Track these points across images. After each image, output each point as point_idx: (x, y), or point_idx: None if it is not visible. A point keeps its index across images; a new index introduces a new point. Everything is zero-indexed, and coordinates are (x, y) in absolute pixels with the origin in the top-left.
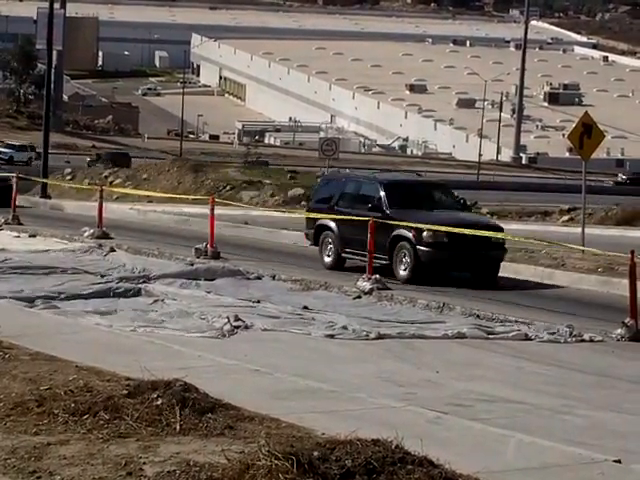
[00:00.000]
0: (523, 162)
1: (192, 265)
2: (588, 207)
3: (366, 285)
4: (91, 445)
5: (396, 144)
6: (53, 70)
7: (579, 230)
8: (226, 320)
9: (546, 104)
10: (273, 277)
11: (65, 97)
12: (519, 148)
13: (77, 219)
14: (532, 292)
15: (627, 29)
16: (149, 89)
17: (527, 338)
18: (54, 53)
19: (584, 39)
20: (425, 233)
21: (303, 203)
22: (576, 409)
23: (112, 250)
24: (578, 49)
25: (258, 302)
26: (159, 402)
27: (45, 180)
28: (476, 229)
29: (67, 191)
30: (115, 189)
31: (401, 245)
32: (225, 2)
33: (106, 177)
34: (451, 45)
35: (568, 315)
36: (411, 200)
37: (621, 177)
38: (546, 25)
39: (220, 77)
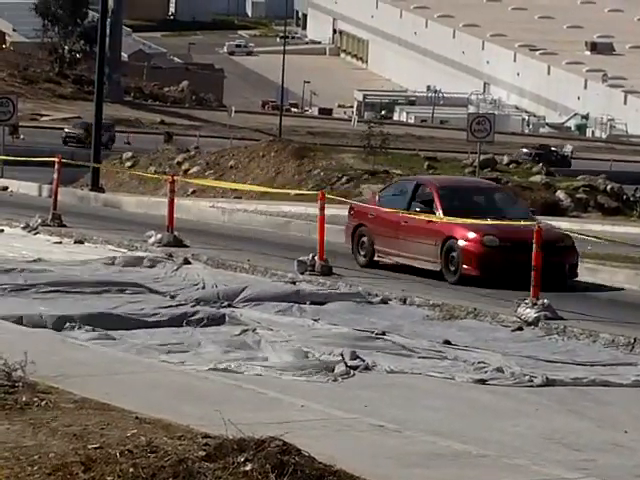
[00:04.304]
0: None
1: (294, 284)
2: None
3: (530, 313)
4: None
5: (572, 123)
6: (109, 19)
7: None
8: (340, 358)
9: None
10: (404, 301)
11: (125, 56)
12: None
13: (139, 220)
14: None
15: None
16: (237, 46)
17: None
18: None
19: None
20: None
21: None
22: None
23: (186, 262)
24: None
25: (383, 334)
26: (248, 467)
27: (97, 165)
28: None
29: (126, 182)
30: (191, 180)
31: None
32: None
33: (179, 164)
34: None
35: None
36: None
37: (525, 151)
38: None
39: (334, 30)
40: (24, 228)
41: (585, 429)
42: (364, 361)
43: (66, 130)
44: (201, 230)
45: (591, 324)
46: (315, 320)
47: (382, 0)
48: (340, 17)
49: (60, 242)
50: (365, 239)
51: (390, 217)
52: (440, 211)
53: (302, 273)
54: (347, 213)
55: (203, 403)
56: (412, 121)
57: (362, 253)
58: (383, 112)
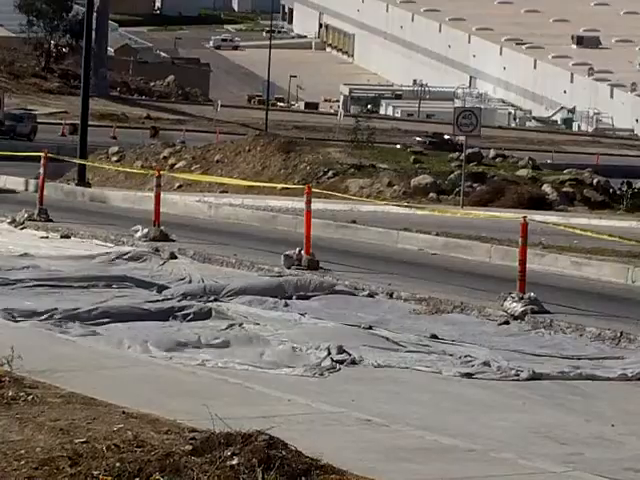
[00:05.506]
0: None
1: (280, 278)
2: None
3: (516, 307)
4: None
5: (558, 117)
6: (94, 14)
7: None
8: (326, 352)
9: None
10: (390, 295)
11: (111, 50)
12: None
13: (126, 214)
14: None
15: None
16: (224, 40)
17: None
18: None
19: None
20: None
21: (432, 195)
22: None
23: (173, 257)
24: None
25: (370, 328)
26: (235, 462)
27: (83, 162)
28: None
29: (113, 177)
30: (178, 175)
31: None
32: None
33: (165, 158)
34: None
35: None
36: None
37: (418, 139)
38: None
39: (320, 25)
40: (10, 223)
41: (572, 423)
42: (350, 355)
43: None
44: (187, 225)
45: (577, 318)
46: (302, 314)
47: None
48: (326, 11)
49: (47, 237)
50: None
51: None
52: None
53: (289, 267)
54: None
55: (190, 398)
56: (398, 115)
57: None
58: (369, 106)
